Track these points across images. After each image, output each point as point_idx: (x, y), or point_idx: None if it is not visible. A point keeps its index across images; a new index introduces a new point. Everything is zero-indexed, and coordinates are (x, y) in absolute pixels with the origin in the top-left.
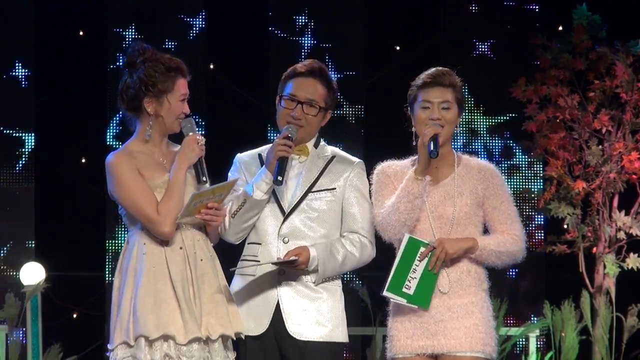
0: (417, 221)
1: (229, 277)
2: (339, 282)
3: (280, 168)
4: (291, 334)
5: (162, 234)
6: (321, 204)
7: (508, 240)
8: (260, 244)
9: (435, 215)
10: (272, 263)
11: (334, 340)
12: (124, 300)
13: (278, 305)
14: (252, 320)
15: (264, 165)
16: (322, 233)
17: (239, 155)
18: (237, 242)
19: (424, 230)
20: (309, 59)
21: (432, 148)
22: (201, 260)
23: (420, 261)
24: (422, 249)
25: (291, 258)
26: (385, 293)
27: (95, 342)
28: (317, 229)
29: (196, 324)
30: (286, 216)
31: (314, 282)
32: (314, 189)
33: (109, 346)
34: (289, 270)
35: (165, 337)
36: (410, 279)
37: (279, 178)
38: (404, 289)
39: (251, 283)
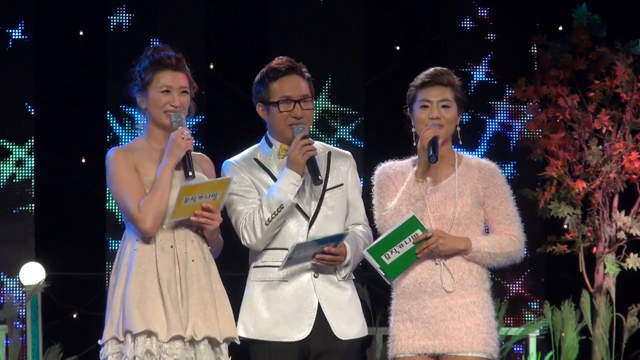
0: None
1: (232, 281)
2: (352, 275)
3: (315, 167)
4: (336, 334)
5: (142, 231)
6: (334, 201)
7: (505, 241)
8: (287, 249)
9: (436, 216)
10: (327, 237)
11: (365, 336)
12: (115, 296)
13: (320, 308)
14: (288, 327)
15: (286, 168)
16: (338, 230)
17: (232, 161)
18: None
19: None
20: (279, 57)
21: (431, 153)
22: (192, 261)
23: (410, 241)
24: (418, 232)
25: (339, 233)
26: (365, 252)
27: (95, 342)
28: (334, 227)
29: (180, 323)
30: (312, 218)
31: (343, 277)
32: (327, 187)
33: (99, 341)
34: (322, 269)
35: (149, 333)
36: (393, 250)
37: (320, 178)
38: (383, 257)
39: (284, 289)
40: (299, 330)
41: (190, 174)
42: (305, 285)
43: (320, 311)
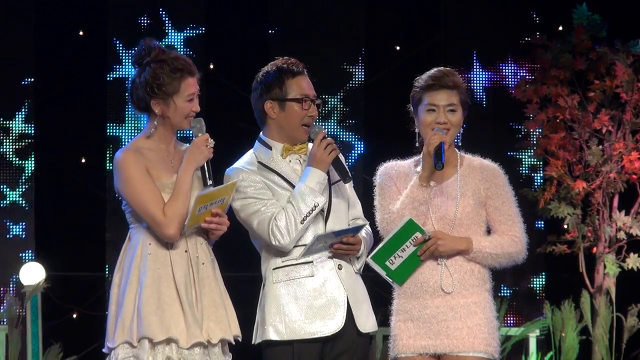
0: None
1: (231, 281)
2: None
3: (342, 166)
4: (359, 327)
5: (167, 236)
6: (338, 196)
7: (506, 241)
8: (305, 245)
9: (437, 217)
10: (346, 229)
11: (377, 329)
12: (126, 299)
13: (347, 301)
14: (319, 321)
15: (310, 167)
16: (347, 222)
17: (239, 166)
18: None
19: (425, 229)
20: (287, 58)
21: (437, 160)
22: (203, 263)
23: (411, 244)
24: (418, 235)
25: (357, 225)
26: (369, 259)
27: (95, 342)
28: (344, 220)
29: (198, 328)
30: (327, 214)
31: (358, 269)
32: (332, 182)
33: (108, 344)
34: (343, 262)
35: (168, 341)
36: (396, 255)
37: (350, 175)
38: (387, 262)
39: (310, 284)
40: (333, 323)
41: (210, 182)
42: (332, 278)
43: (347, 303)
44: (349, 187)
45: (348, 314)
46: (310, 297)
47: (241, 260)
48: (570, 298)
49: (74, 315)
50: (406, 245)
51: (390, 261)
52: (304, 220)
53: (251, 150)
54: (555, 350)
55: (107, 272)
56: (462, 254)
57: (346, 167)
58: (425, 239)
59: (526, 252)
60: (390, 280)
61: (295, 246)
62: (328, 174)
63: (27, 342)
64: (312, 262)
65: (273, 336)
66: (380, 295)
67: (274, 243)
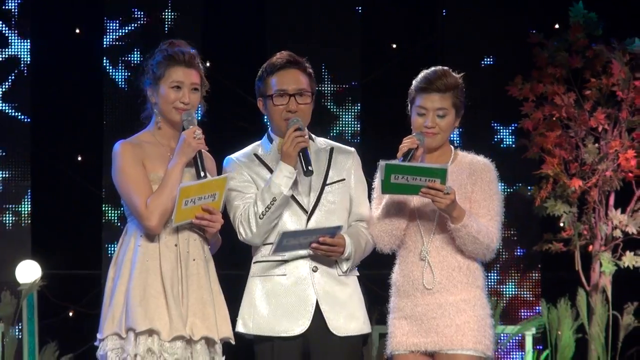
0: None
1: (230, 279)
2: (356, 272)
3: (306, 159)
4: (332, 330)
5: (147, 228)
6: (335, 196)
7: (488, 233)
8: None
9: (421, 211)
10: (319, 229)
11: (366, 332)
12: (117, 291)
13: (317, 303)
14: (286, 321)
15: (280, 161)
16: (341, 225)
17: (233, 157)
18: (261, 244)
19: (411, 226)
20: (280, 52)
21: (307, 165)
22: (194, 260)
23: (425, 181)
24: (438, 181)
25: (334, 225)
26: (382, 162)
27: (91, 340)
28: (336, 222)
29: (182, 322)
30: (310, 213)
31: (345, 271)
32: (328, 182)
33: (98, 335)
34: (322, 263)
35: (150, 332)
36: (406, 177)
37: (310, 168)
38: (392, 175)
39: (282, 283)
40: (298, 325)
41: (203, 174)
42: (304, 279)
43: (317, 306)
44: (354, 188)
45: (319, 316)
46: (280, 295)
47: (235, 256)
48: (566, 296)
49: (70, 314)
50: (420, 178)
51: (396, 177)
52: (263, 214)
53: (258, 142)
54: (551, 349)
55: (103, 270)
56: (454, 220)
57: (311, 160)
58: (442, 190)
59: (495, 252)
60: (379, 186)
61: (273, 243)
62: (327, 173)
63: (23, 341)
64: (287, 261)
65: (241, 329)
66: (377, 293)
67: (239, 237)
